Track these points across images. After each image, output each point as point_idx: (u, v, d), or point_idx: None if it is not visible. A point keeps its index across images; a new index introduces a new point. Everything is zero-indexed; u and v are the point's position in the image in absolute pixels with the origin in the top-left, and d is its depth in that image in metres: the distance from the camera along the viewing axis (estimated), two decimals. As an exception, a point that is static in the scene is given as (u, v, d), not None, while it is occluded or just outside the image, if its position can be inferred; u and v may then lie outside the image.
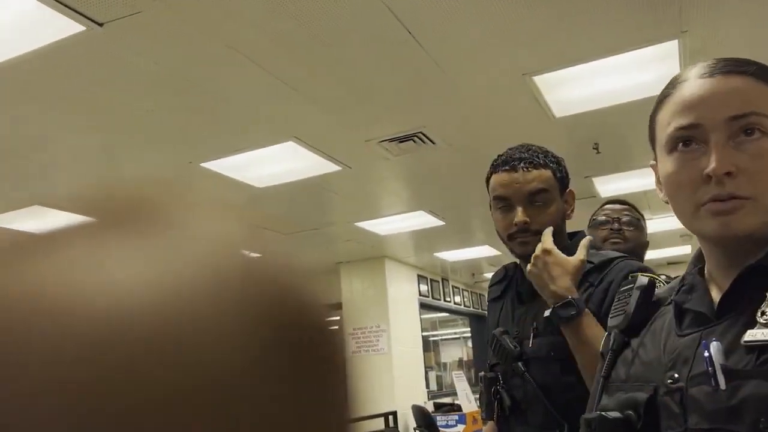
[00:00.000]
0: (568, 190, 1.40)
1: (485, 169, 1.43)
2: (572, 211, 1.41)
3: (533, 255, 1.27)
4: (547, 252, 1.25)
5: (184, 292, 0.15)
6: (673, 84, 0.81)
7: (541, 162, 1.35)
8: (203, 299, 0.15)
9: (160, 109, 3.27)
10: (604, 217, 2.14)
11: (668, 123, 0.79)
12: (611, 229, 2.10)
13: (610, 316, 0.93)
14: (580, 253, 1.27)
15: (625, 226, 2.11)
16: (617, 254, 1.37)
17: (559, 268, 1.24)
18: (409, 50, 2.89)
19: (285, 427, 0.16)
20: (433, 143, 4.04)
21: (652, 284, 0.89)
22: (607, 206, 2.20)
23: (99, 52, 2.66)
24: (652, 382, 0.78)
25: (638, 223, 2.14)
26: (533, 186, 1.32)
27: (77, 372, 0.13)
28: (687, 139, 0.76)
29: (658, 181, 0.84)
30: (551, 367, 1.29)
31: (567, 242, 1.38)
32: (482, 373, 1.47)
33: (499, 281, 1.54)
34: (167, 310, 0.15)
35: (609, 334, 0.91)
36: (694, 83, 0.78)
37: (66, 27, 2.44)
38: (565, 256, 1.26)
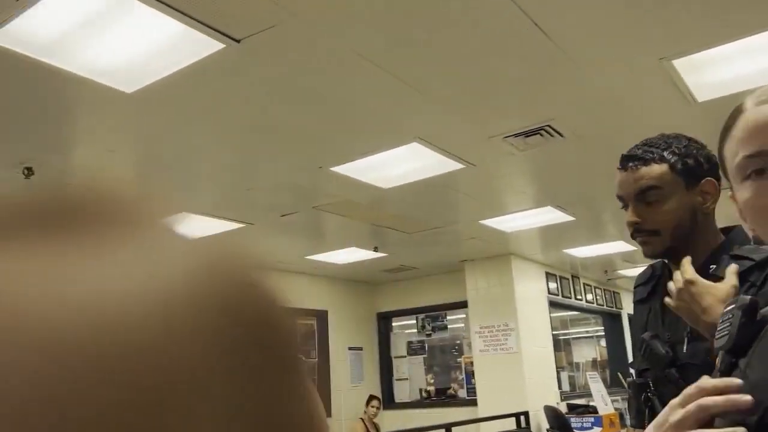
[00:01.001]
0: (704, 180, 1.30)
1: (618, 161, 1.38)
2: (713, 203, 1.31)
3: (676, 288, 1.20)
4: (690, 282, 1.18)
5: (138, 295, 0.15)
6: (733, 116, 0.85)
7: (655, 157, 1.29)
8: (154, 299, 0.15)
9: (293, 117, 3.42)
10: None
11: (736, 153, 0.82)
12: None
13: (715, 337, 0.90)
14: (730, 279, 1.17)
15: None
16: None
17: (709, 296, 1.15)
18: (534, 40, 2.81)
19: (238, 421, 0.16)
20: (562, 136, 3.91)
21: (754, 303, 0.86)
22: None
23: (236, 67, 2.84)
24: (762, 403, 0.75)
25: None
26: (641, 184, 1.29)
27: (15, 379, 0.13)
28: (759, 169, 0.79)
29: (740, 212, 0.86)
30: (709, 373, 1.20)
31: (713, 240, 1.30)
32: (630, 379, 1.41)
33: (646, 282, 1.46)
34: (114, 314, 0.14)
35: (717, 356, 0.88)
36: (753, 112, 0.81)
37: (208, 45, 2.63)
38: (711, 283, 1.17)
